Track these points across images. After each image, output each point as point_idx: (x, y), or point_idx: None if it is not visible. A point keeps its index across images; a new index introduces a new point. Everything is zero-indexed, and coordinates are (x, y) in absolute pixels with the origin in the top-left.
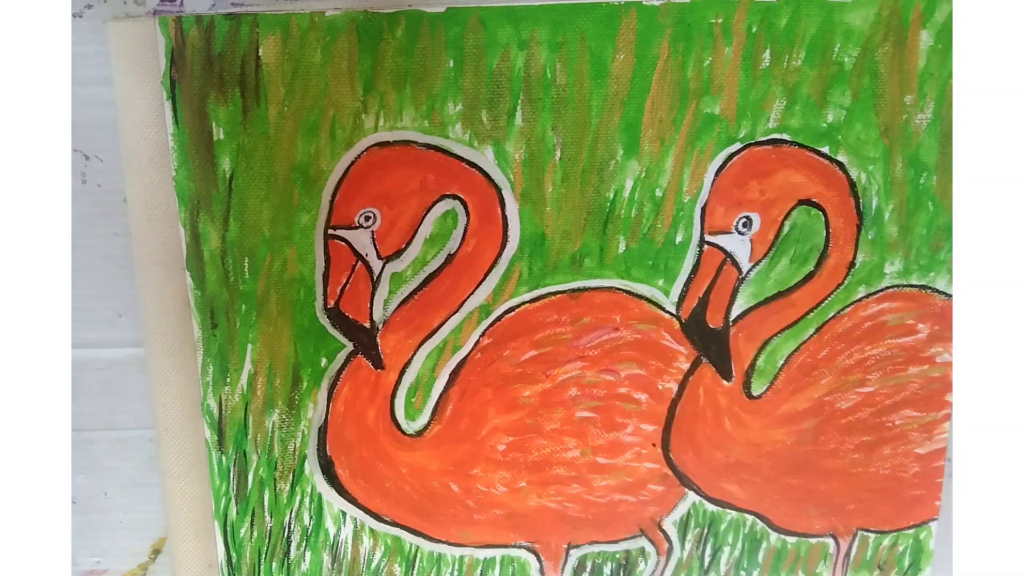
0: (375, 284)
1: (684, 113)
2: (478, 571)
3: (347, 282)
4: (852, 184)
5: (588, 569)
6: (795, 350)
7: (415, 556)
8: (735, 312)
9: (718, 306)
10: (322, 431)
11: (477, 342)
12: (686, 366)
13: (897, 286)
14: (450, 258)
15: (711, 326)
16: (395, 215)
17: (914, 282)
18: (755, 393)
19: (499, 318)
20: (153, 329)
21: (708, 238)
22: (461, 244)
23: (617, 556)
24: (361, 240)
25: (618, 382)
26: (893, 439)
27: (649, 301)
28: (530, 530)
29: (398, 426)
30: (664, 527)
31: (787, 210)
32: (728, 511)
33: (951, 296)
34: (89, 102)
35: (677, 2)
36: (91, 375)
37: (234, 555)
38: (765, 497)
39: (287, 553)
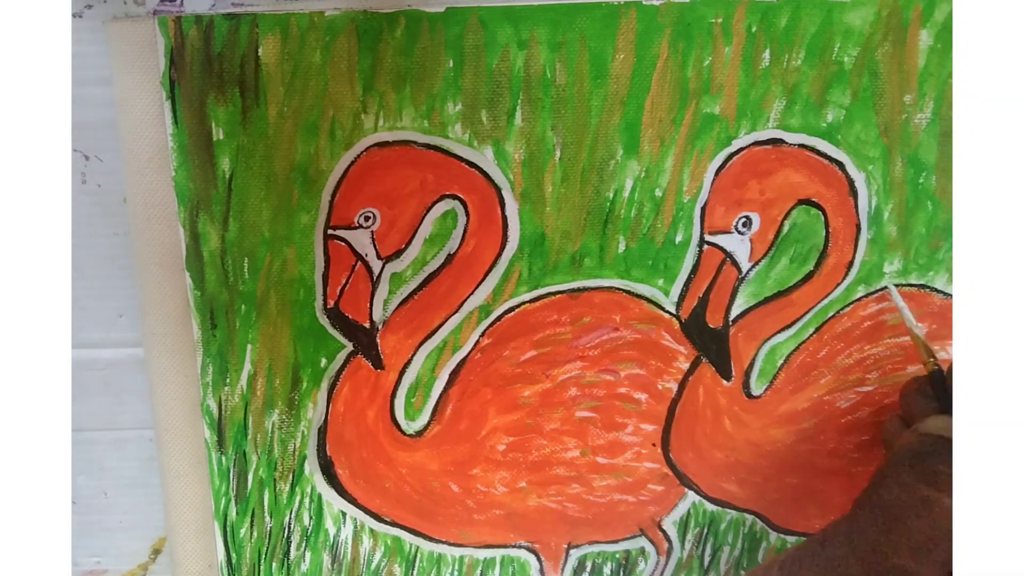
0: (375, 284)
1: (684, 113)
2: (478, 571)
3: (347, 282)
4: (851, 184)
5: (588, 569)
6: (794, 350)
7: (415, 556)
8: (735, 312)
9: (718, 306)
10: (322, 431)
11: (477, 342)
12: (686, 366)
13: (896, 285)
14: (450, 258)
15: (711, 326)
16: (395, 215)
17: (913, 281)
18: (755, 393)
19: (499, 318)
20: (153, 329)
21: (708, 238)
22: (461, 244)
23: (617, 556)
24: (361, 240)
25: (618, 382)
26: None
27: (649, 301)
28: (530, 530)
29: (398, 426)
30: (664, 527)
31: (787, 210)
32: (728, 511)
33: (950, 295)
34: (89, 102)
35: (677, 2)
36: (91, 375)
37: (234, 555)
38: (765, 496)
39: (287, 553)
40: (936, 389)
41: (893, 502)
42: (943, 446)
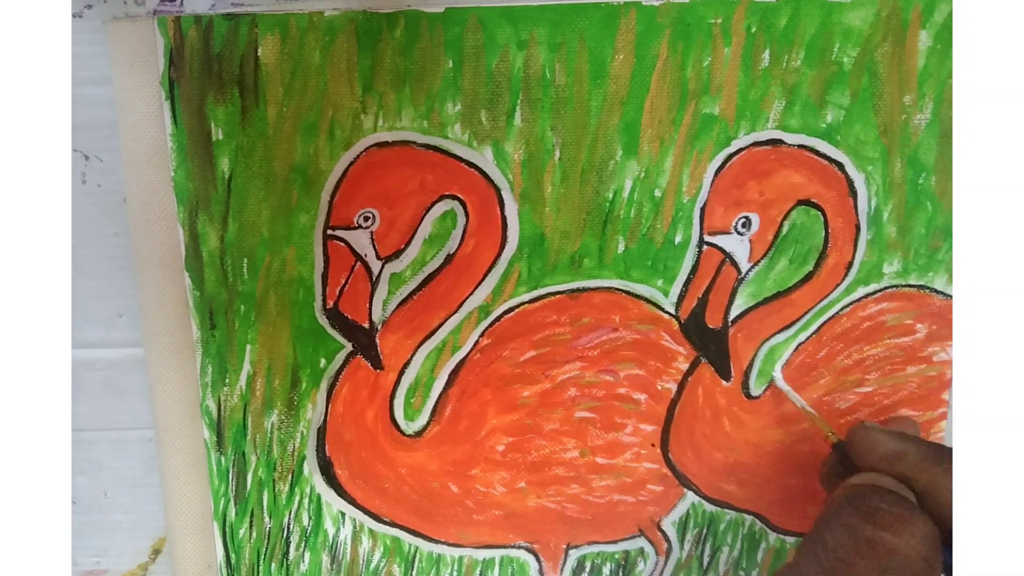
0: (374, 284)
1: (683, 113)
2: (477, 571)
3: (346, 282)
4: (851, 184)
5: (587, 569)
6: (794, 350)
7: (414, 556)
8: (734, 312)
9: (717, 306)
10: (321, 432)
11: (476, 342)
12: (685, 366)
13: (896, 286)
14: (449, 258)
15: (710, 326)
16: (394, 215)
17: (912, 282)
18: (754, 393)
19: (498, 318)
20: (153, 329)
21: (707, 238)
22: (460, 244)
23: (616, 556)
24: (360, 240)
25: (617, 382)
26: None
27: (648, 301)
28: (529, 530)
29: (397, 426)
30: (663, 527)
31: (786, 210)
32: (727, 511)
33: (949, 296)
34: (89, 102)
35: (676, 2)
36: (91, 375)
37: (233, 556)
38: (764, 497)
39: (286, 554)
40: (842, 460)
41: (837, 544)
42: (880, 488)
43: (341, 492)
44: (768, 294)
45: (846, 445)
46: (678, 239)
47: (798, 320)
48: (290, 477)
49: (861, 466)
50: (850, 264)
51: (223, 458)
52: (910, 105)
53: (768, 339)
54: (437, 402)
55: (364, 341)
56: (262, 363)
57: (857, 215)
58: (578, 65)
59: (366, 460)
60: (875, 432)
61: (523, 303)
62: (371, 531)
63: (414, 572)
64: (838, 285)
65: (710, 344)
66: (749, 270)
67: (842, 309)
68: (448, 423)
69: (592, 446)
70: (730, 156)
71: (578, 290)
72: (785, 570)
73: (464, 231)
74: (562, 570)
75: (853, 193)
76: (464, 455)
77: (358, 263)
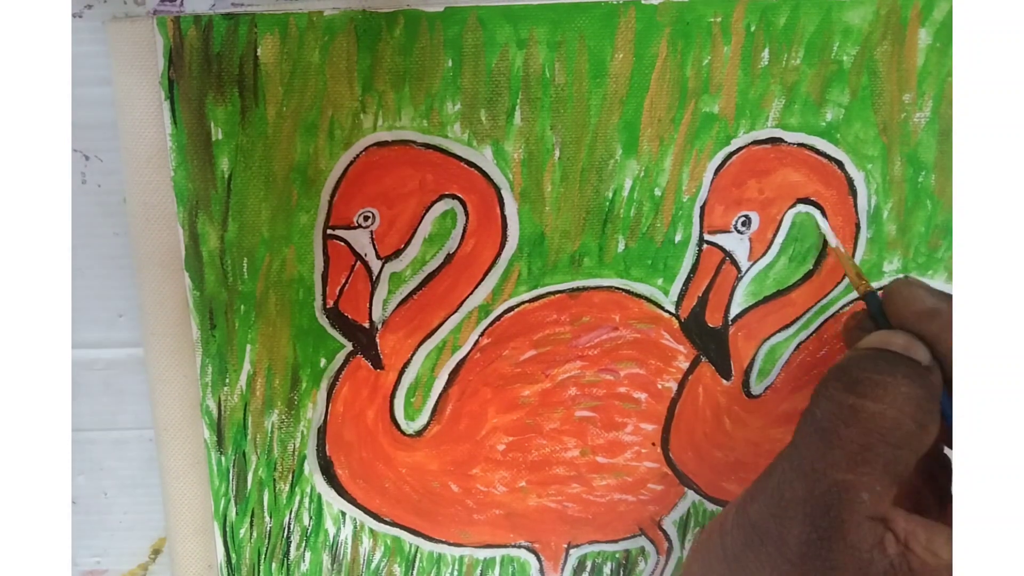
0: (374, 284)
1: (683, 112)
2: (478, 571)
3: (346, 282)
4: (851, 183)
5: (588, 569)
6: (794, 349)
7: (415, 556)
8: (734, 311)
9: (717, 305)
10: (321, 431)
11: (476, 342)
12: (685, 365)
13: None
14: (449, 258)
15: (710, 325)
16: (394, 215)
17: None
18: (754, 392)
19: (498, 318)
20: (153, 329)
21: (707, 237)
22: (460, 244)
23: (617, 556)
24: (360, 240)
25: (617, 381)
26: None
27: (648, 300)
28: (530, 530)
29: (397, 426)
30: (664, 526)
31: (786, 208)
32: None
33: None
34: (89, 102)
35: (676, 1)
36: (91, 375)
37: (233, 556)
38: None
39: (287, 554)
40: (872, 312)
41: (824, 416)
42: (868, 355)
43: (341, 492)
44: (768, 293)
45: (884, 298)
46: (678, 238)
47: (799, 319)
48: (290, 477)
49: (894, 320)
50: None
51: (223, 458)
52: (909, 103)
53: (768, 338)
54: (437, 401)
55: (364, 341)
56: (262, 363)
57: (857, 213)
58: (578, 64)
59: (366, 460)
60: (917, 288)
61: (523, 302)
62: (372, 531)
63: (415, 572)
64: (838, 284)
65: (710, 343)
66: (749, 269)
67: (843, 308)
68: (448, 422)
69: (592, 445)
70: (730, 155)
71: (578, 289)
72: (785, 450)
73: (464, 230)
74: (563, 569)
75: (853, 191)
76: (464, 454)
77: (358, 263)
